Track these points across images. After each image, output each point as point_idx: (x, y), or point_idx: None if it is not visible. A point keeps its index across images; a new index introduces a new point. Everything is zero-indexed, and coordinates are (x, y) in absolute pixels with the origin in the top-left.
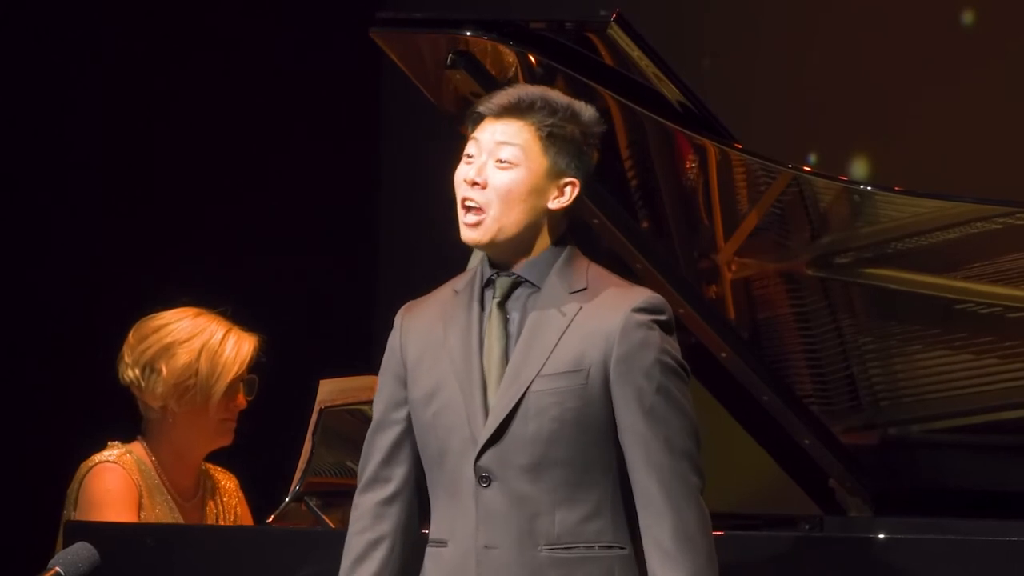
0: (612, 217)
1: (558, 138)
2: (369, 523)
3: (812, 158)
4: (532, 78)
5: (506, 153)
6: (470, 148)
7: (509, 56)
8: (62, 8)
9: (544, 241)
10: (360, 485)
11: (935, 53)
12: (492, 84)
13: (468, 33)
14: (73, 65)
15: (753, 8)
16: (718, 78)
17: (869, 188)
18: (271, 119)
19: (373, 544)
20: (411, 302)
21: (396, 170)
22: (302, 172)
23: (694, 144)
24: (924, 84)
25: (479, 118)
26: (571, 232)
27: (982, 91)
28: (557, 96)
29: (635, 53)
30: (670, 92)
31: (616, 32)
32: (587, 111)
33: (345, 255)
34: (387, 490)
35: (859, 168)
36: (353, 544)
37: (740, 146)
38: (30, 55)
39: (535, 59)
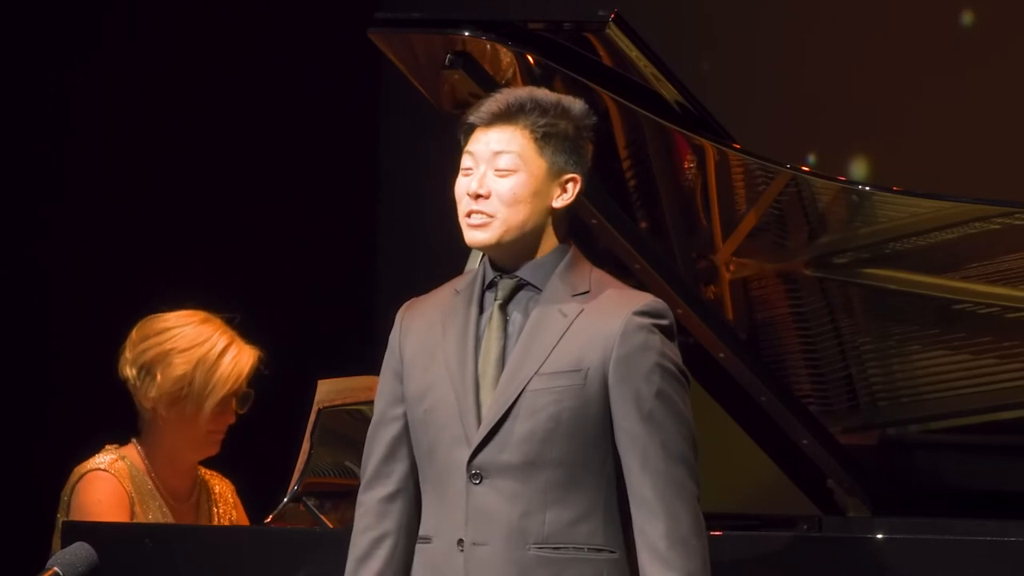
0: (610, 217)
1: (553, 137)
2: (373, 521)
3: (812, 158)
4: (530, 78)
5: (504, 161)
6: (466, 161)
7: (507, 56)
8: (62, 8)
9: (549, 241)
10: (363, 482)
11: (935, 53)
12: (490, 84)
13: (466, 33)
14: (73, 65)
15: (753, 8)
16: (717, 78)
17: (867, 188)
18: (271, 119)
19: (376, 542)
20: (412, 300)
21: (396, 170)
22: (302, 173)
23: (692, 144)
24: (924, 84)
25: (470, 128)
26: (572, 233)
27: (982, 91)
28: (545, 95)
29: (633, 53)
30: (668, 92)
31: (614, 32)
32: (576, 105)
33: (345, 255)
34: (389, 486)
35: (859, 168)
36: (358, 543)
37: (738, 146)
38: (30, 55)
39: (533, 59)
